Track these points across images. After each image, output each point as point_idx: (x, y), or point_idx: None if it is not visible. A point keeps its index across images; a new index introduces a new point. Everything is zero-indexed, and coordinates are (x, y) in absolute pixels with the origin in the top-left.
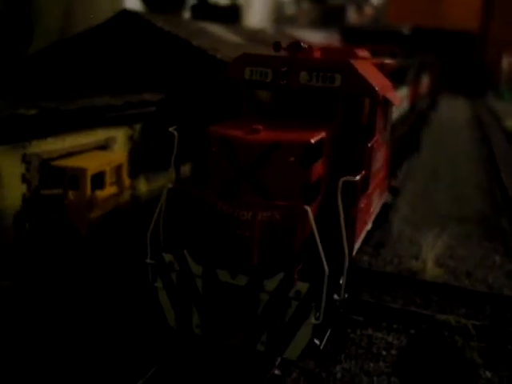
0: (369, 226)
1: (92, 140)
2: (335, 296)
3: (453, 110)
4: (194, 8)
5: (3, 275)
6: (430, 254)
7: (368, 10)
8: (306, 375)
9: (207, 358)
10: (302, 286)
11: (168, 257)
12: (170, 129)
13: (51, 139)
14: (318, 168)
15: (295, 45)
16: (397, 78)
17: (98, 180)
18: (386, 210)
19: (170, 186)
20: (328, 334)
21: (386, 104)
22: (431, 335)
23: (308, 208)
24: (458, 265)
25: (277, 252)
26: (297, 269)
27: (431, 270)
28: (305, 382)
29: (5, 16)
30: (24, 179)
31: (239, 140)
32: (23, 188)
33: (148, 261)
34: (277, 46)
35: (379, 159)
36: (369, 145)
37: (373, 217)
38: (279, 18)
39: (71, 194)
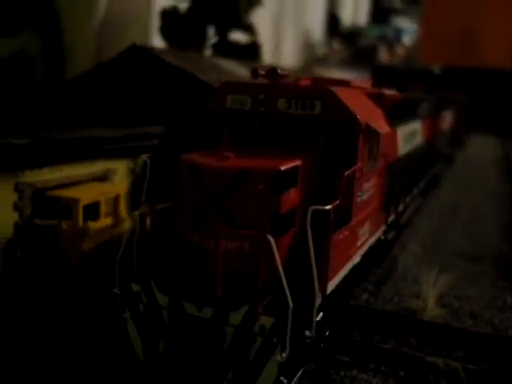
0: (355, 261)
1: (90, 171)
2: (307, 333)
3: (481, 149)
4: (214, 46)
5: None
6: (431, 293)
7: (399, 51)
8: None
9: None
10: (267, 321)
11: (136, 287)
12: (144, 156)
13: (47, 169)
14: (292, 197)
15: (272, 71)
16: (407, 111)
17: (93, 211)
18: (387, 245)
19: (139, 212)
20: (300, 373)
21: (371, 132)
22: (417, 379)
23: (271, 238)
24: (464, 305)
25: (243, 284)
26: (261, 303)
27: (432, 310)
28: None
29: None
30: (16, 207)
31: (207, 167)
32: (15, 216)
33: (115, 290)
34: (254, 72)
35: (367, 189)
36: (346, 173)
37: (361, 251)
38: (311, 58)
39: (64, 224)
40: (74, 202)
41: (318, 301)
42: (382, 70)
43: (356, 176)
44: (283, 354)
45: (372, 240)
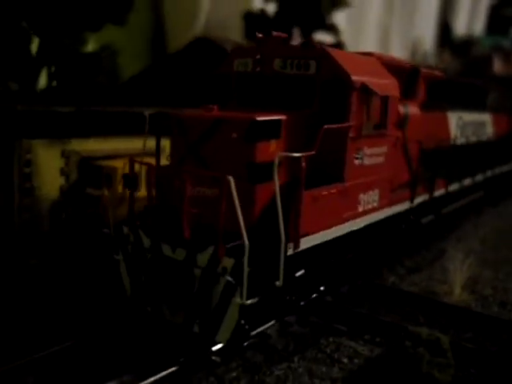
0: (353, 226)
1: (137, 146)
2: (277, 283)
3: None
4: None
5: (33, 255)
6: (458, 278)
7: None
8: (245, 366)
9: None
10: (228, 262)
11: (126, 229)
12: (145, 112)
13: (94, 140)
14: (272, 149)
15: (267, 33)
16: (474, 100)
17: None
18: (418, 227)
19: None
20: (271, 323)
21: (370, 94)
22: (397, 347)
23: (231, 178)
24: (496, 294)
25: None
26: (223, 243)
27: (459, 296)
28: (241, 373)
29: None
30: (62, 172)
31: (188, 118)
32: (61, 180)
33: (105, 230)
34: (265, 33)
35: (370, 155)
36: (325, 126)
37: (366, 218)
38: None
39: (106, 192)
40: (114, 170)
41: (288, 252)
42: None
43: (349, 135)
44: (243, 297)
45: (386, 212)
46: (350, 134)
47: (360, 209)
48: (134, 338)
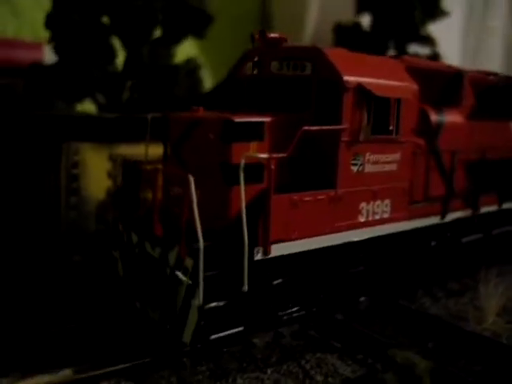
0: (350, 236)
1: None
2: (244, 288)
3: None
4: None
5: (77, 251)
6: (494, 304)
7: None
8: (213, 371)
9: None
10: (189, 262)
11: (120, 227)
12: (148, 115)
13: (137, 144)
14: (252, 150)
15: (262, 34)
16: None
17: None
18: (455, 245)
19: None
20: (236, 330)
21: (368, 96)
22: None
23: (190, 177)
24: None
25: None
26: (183, 243)
27: (490, 323)
28: (206, 378)
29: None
30: (110, 175)
31: (173, 119)
32: (108, 182)
33: (99, 226)
34: (252, 37)
35: (376, 161)
36: (304, 128)
37: (370, 230)
38: None
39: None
40: (155, 173)
41: (257, 257)
42: None
43: (341, 139)
44: (199, 299)
45: (403, 225)
46: (344, 138)
47: (361, 219)
48: (119, 330)
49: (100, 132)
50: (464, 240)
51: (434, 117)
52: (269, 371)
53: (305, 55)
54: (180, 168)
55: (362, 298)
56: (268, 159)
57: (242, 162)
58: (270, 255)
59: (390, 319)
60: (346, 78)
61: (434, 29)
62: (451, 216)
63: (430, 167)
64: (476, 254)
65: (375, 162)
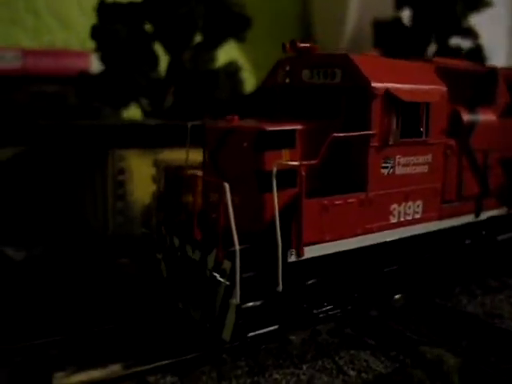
0: (382, 237)
1: None
2: (278, 288)
3: None
4: (436, 54)
5: (123, 254)
6: None
7: None
8: (251, 367)
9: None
10: (226, 264)
11: (163, 230)
12: (188, 123)
13: (179, 150)
14: (285, 158)
15: (292, 44)
16: None
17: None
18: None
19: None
20: (272, 328)
21: (395, 102)
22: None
23: (226, 184)
24: None
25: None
26: (220, 246)
27: None
28: (244, 373)
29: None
30: (154, 180)
31: (209, 128)
32: (153, 187)
33: (143, 230)
34: (283, 47)
35: (406, 164)
36: (333, 134)
37: (402, 230)
38: None
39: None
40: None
41: (290, 259)
42: None
43: (371, 144)
44: (237, 298)
45: (436, 225)
46: (373, 143)
47: (393, 220)
48: (163, 329)
49: (144, 139)
50: (500, 238)
51: (466, 117)
52: (304, 367)
53: (334, 63)
54: (217, 175)
55: (397, 296)
56: (299, 166)
57: (274, 169)
58: (304, 257)
59: (424, 317)
60: (373, 84)
61: (478, 21)
62: (486, 214)
63: (463, 167)
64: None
65: (406, 165)
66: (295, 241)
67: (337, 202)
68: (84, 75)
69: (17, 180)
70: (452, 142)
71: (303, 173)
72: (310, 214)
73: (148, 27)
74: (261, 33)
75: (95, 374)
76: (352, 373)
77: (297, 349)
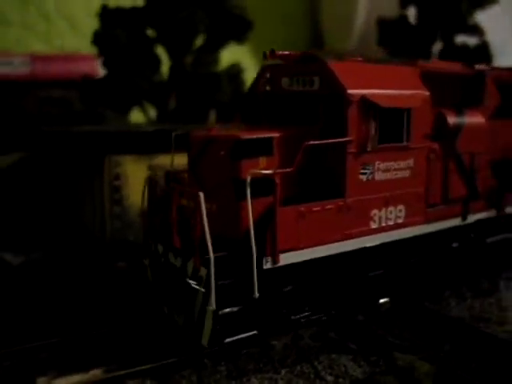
0: (363, 242)
1: None
2: (255, 295)
3: None
4: (441, 52)
5: (120, 258)
6: None
7: None
8: (230, 371)
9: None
10: (203, 272)
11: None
12: (174, 132)
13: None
14: (261, 166)
15: (271, 52)
16: None
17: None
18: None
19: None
20: (250, 334)
21: (373, 108)
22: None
23: (201, 193)
24: None
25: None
26: (197, 254)
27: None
28: (224, 378)
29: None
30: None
31: (191, 138)
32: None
33: (131, 238)
34: (264, 55)
35: (386, 169)
36: (306, 143)
37: (383, 235)
38: None
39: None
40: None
41: (266, 266)
42: None
43: (348, 151)
44: (212, 304)
45: (420, 229)
46: (350, 150)
47: (374, 225)
48: (148, 333)
49: (139, 144)
50: (489, 240)
51: (452, 120)
52: (283, 372)
53: (312, 70)
54: (196, 183)
55: (382, 300)
56: (273, 174)
57: (248, 178)
58: (280, 264)
59: (410, 321)
60: (349, 91)
61: (484, 19)
62: (473, 217)
63: (449, 170)
64: (504, 254)
65: (386, 170)
66: (270, 248)
67: (314, 209)
68: (87, 80)
69: (18, 185)
70: (435, 146)
71: (277, 181)
72: (286, 221)
73: (150, 32)
74: (267, 34)
75: (76, 378)
76: (329, 378)
77: (278, 353)
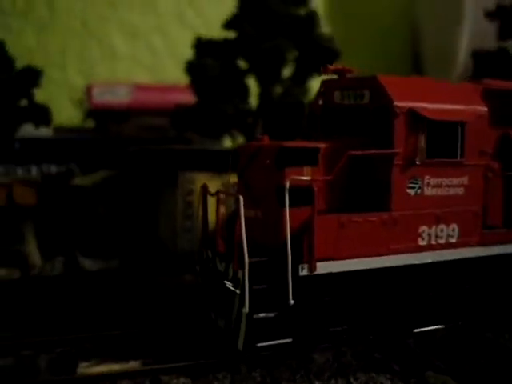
0: (410, 259)
1: None
2: (290, 302)
3: None
4: None
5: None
6: None
7: None
8: (264, 378)
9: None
10: (240, 275)
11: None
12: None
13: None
14: (306, 175)
15: (325, 66)
16: None
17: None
18: None
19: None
20: (285, 341)
21: (421, 120)
22: None
23: (241, 197)
24: None
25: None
26: (236, 258)
27: None
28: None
29: None
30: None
31: (239, 148)
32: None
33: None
34: (324, 68)
35: (437, 185)
36: (349, 152)
37: (432, 254)
38: None
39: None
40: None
41: (302, 273)
42: None
43: (394, 163)
44: (245, 307)
45: (475, 251)
46: (397, 162)
47: (422, 242)
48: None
49: (213, 163)
50: None
51: None
52: (316, 383)
53: (363, 84)
54: (245, 192)
55: (437, 327)
56: (311, 181)
57: (287, 184)
58: (316, 272)
59: (464, 349)
60: (396, 103)
61: None
62: None
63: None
64: None
65: (437, 186)
66: (307, 255)
67: (355, 220)
68: (179, 108)
69: (103, 199)
70: (495, 165)
71: (315, 188)
72: (325, 229)
73: (241, 62)
74: (367, 64)
75: (115, 367)
76: None
77: (316, 367)
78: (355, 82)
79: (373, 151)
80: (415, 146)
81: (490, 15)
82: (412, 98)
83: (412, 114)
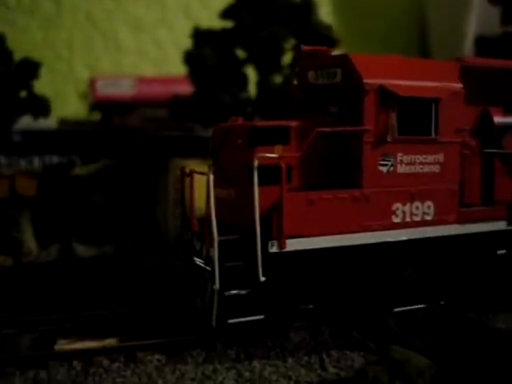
0: (381, 236)
1: None
2: (261, 278)
3: None
4: None
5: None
6: None
7: None
8: (239, 355)
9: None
10: (212, 252)
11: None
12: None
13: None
14: (278, 153)
15: (297, 46)
16: None
17: None
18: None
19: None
20: (256, 318)
21: (391, 97)
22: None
23: (211, 175)
24: None
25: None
26: (207, 235)
27: None
28: (230, 360)
29: None
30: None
31: (214, 128)
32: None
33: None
34: (294, 49)
35: (410, 162)
36: (317, 129)
37: (406, 231)
38: None
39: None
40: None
41: (272, 249)
42: None
43: (365, 140)
44: (216, 284)
45: (453, 229)
46: (367, 139)
47: (396, 220)
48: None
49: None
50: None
51: (499, 118)
52: (289, 360)
53: (335, 63)
54: (218, 172)
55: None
56: (279, 159)
57: (256, 163)
58: (286, 249)
59: (445, 329)
60: (366, 80)
61: None
62: None
63: (495, 170)
64: None
65: (410, 163)
66: (276, 232)
67: (325, 197)
68: (177, 98)
69: (102, 186)
70: (473, 143)
71: (283, 165)
72: (295, 206)
73: (239, 51)
74: (374, 49)
75: (91, 344)
76: (332, 370)
77: (292, 345)
78: (328, 60)
79: (341, 128)
80: (386, 123)
81: (493, 0)
82: (383, 76)
83: (382, 91)
